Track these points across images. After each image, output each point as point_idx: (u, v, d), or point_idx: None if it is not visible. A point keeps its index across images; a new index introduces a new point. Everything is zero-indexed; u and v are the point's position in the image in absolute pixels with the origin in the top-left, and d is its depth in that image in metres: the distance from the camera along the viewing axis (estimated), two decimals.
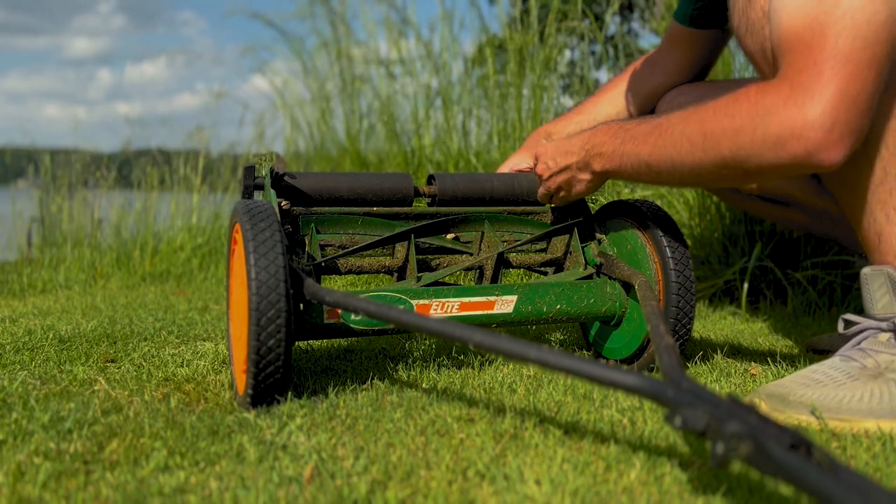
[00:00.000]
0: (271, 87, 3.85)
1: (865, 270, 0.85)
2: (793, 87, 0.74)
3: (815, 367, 0.86)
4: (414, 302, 0.96)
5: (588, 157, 1.01)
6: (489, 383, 0.96)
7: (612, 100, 1.33)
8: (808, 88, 0.73)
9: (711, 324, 1.55)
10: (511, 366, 1.07)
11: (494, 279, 1.09)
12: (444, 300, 0.97)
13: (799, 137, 0.73)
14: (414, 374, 1.02)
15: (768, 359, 1.15)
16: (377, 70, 3.22)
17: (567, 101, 3.07)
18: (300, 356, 1.15)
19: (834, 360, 0.86)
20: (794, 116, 0.73)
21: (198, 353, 1.16)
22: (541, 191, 1.13)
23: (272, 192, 1.02)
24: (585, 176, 1.03)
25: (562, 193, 1.09)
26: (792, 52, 0.76)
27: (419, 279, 1.01)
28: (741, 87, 0.80)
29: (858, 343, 0.86)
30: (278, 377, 0.82)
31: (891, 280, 0.83)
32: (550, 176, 1.08)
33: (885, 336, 0.84)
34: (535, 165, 1.12)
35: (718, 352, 1.18)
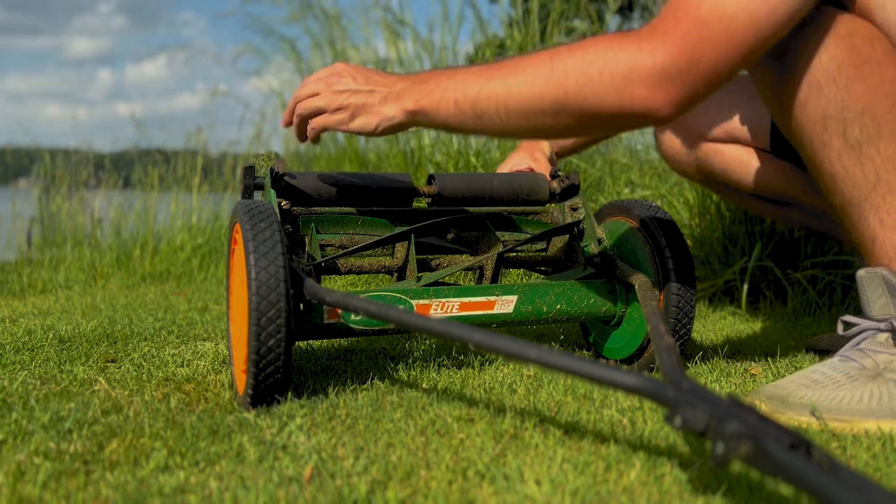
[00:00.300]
0: (269, 87, 3.86)
1: (860, 273, 0.85)
2: (651, 31, 0.75)
3: (814, 367, 0.86)
4: (414, 302, 0.96)
5: (404, 89, 0.86)
6: (489, 383, 0.96)
7: None
8: (663, 35, 0.74)
9: (711, 324, 1.55)
10: (511, 366, 1.07)
11: (494, 279, 1.09)
12: (444, 300, 0.97)
13: (644, 80, 0.73)
14: (414, 374, 1.02)
15: (768, 359, 1.15)
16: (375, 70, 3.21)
17: None
18: (300, 356, 1.15)
19: (833, 361, 0.86)
20: (644, 57, 0.74)
21: (198, 353, 1.16)
22: (310, 103, 0.91)
23: (272, 191, 1.02)
24: (388, 110, 0.86)
25: (339, 115, 0.89)
26: (665, 7, 0.77)
27: (419, 279, 1.01)
28: None
29: (857, 343, 0.86)
30: (278, 377, 0.82)
31: (886, 282, 0.83)
32: (344, 90, 0.89)
33: (883, 336, 0.84)
34: (321, 74, 0.92)
35: (718, 352, 1.18)
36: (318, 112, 0.91)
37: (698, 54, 0.73)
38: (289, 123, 0.97)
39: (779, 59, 0.84)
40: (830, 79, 0.82)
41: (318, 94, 0.91)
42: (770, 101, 0.90)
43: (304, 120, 0.93)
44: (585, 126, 0.80)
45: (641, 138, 2.68)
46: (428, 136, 2.77)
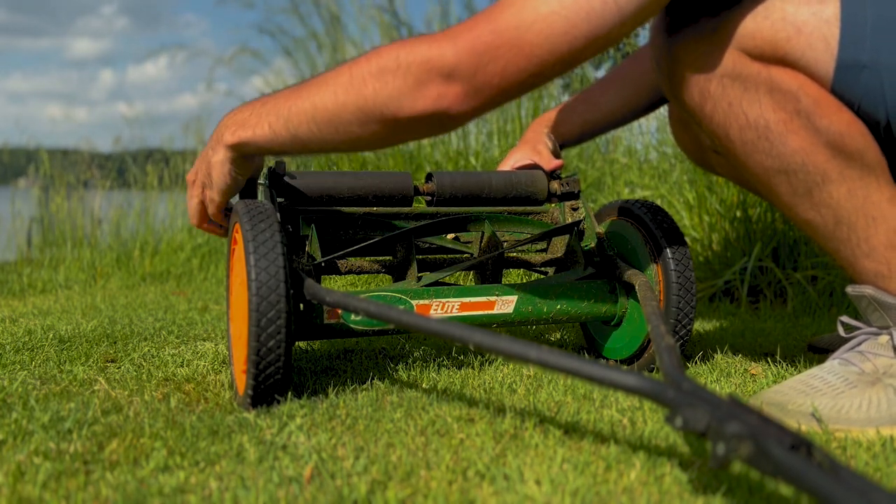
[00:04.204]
0: (267, 86, 3.86)
1: (848, 290, 0.85)
2: (445, 33, 0.76)
3: (813, 371, 0.86)
4: (414, 302, 0.96)
5: (221, 129, 0.88)
6: (489, 383, 0.96)
7: (621, 89, 1.25)
8: (454, 36, 0.74)
9: (711, 324, 1.55)
10: (511, 366, 1.07)
11: (495, 279, 1.09)
12: (444, 300, 0.97)
13: (433, 78, 0.74)
14: (414, 374, 1.02)
15: (768, 359, 1.15)
16: None
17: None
18: (300, 356, 1.15)
19: (833, 365, 0.85)
20: (434, 56, 0.74)
21: (198, 353, 1.16)
22: (193, 206, 0.97)
23: (272, 191, 1.02)
24: (218, 156, 0.89)
25: (207, 193, 0.94)
26: (474, 15, 0.77)
27: (419, 279, 1.01)
28: None
29: (857, 345, 0.86)
30: (278, 377, 0.82)
31: (874, 300, 0.83)
32: (194, 174, 0.95)
33: (884, 338, 0.84)
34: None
35: (718, 352, 1.18)
36: (204, 206, 0.97)
37: (486, 58, 0.73)
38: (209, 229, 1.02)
39: (710, 115, 0.83)
40: (762, 136, 0.80)
41: (190, 197, 0.97)
42: (713, 153, 0.89)
43: (204, 219, 0.99)
44: (393, 133, 0.79)
45: (641, 138, 2.69)
46: None
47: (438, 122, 0.78)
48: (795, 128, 0.78)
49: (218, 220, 0.99)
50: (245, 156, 0.89)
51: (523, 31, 0.72)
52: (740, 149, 0.82)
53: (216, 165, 0.90)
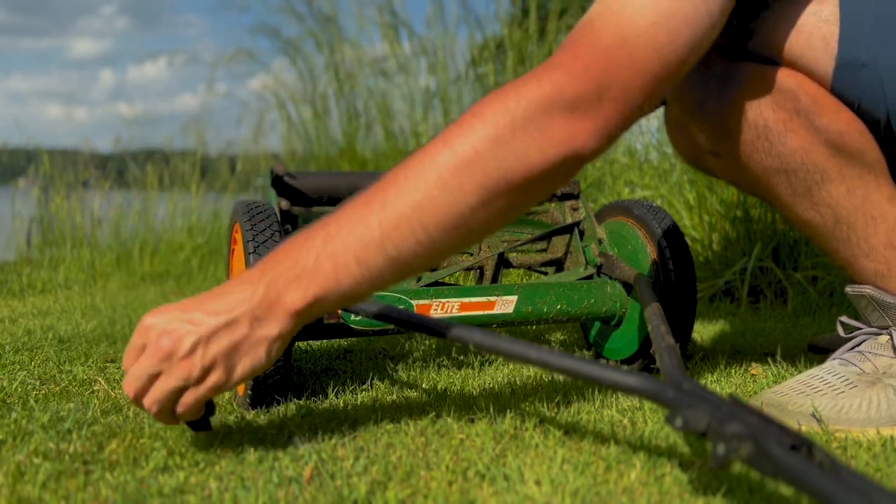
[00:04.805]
0: (265, 87, 3.87)
1: (847, 290, 0.85)
2: (547, 66, 0.66)
3: (813, 371, 0.86)
4: (414, 302, 0.96)
5: (271, 293, 0.63)
6: (489, 383, 0.96)
7: None
8: (561, 67, 0.66)
9: (711, 324, 1.55)
10: (511, 366, 1.07)
11: (495, 279, 1.09)
12: (444, 300, 0.97)
13: (557, 116, 0.64)
14: (414, 374, 1.02)
15: (768, 359, 1.15)
16: (371, 69, 3.22)
17: None
18: (300, 356, 1.15)
19: (833, 365, 0.85)
20: (550, 93, 0.64)
21: None
22: (163, 390, 0.64)
23: (272, 191, 1.02)
24: (268, 330, 0.64)
25: (214, 377, 0.63)
26: (562, 44, 0.70)
27: (419, 279, 1.01)
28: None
29: (858, 345, 0.86)
30: (278, 378, 0.82)
31: (874, 300, 0.83)
32: (193, 346, 0.62)
33: (884, 338, 0.84)
34: (136, 344, 0.64)
35: (718, 352, 1.18)
36: (181, 391, 0.64)
37: (606, 81, 0.65)
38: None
39: (707, 117, 0.83)
40: (761, 136, 0.80)
41: (160, 374, 0.64)
42: (710, 156, 0.89)
43: (169, 410, 0.66)
44: (521, 201, 0.66)
45: (641, 138, 2.69)
46: (426, 135, 2.77)
47: (570, 169, 0.66)
48: (795, 127, 0.79)
49: (190, 415, 0.68)
50: (295, 330, 0.66)
51: (631, 47, 0.66)
52: (739, 148, 0.82)
53: (261, 344, 0.64)
